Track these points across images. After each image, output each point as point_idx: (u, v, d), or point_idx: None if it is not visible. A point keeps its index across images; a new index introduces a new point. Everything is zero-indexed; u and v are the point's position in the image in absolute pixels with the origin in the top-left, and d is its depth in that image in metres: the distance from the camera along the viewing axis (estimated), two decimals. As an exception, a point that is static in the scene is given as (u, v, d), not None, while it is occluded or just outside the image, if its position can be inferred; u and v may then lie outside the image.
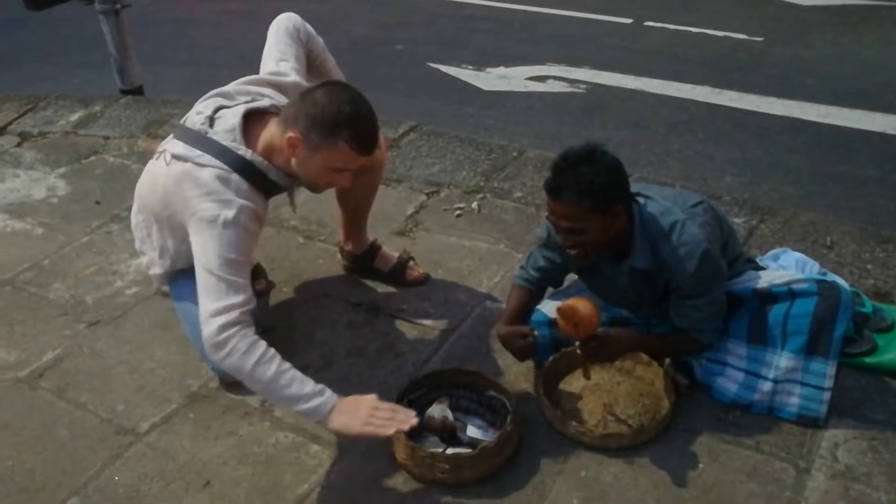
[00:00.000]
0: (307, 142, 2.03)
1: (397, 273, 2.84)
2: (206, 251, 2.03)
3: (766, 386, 2.19)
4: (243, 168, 2.10)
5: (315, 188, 2.23)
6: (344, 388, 2.39)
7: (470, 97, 5.19)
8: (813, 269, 2.48)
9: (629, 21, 6.54)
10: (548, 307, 2.44)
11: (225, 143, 2.10)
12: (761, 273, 2.31)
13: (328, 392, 1.98)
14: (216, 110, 2.19)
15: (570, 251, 2.07)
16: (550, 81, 5.39)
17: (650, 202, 2.13)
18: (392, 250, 2.92)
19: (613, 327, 2.28)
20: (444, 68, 5.69)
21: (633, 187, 2.12)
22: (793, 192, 3.85)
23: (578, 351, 2.14)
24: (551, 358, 2.35)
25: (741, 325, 2.25)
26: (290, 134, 2.03)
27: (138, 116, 4.25)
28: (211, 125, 2.15)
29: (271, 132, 2.12)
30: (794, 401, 2.18)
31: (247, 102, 2.19)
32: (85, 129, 4.16)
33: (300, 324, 2.70)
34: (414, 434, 2.11)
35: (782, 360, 2.18)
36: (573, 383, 2.34)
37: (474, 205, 3.31)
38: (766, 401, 2.20)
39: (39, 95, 4.54)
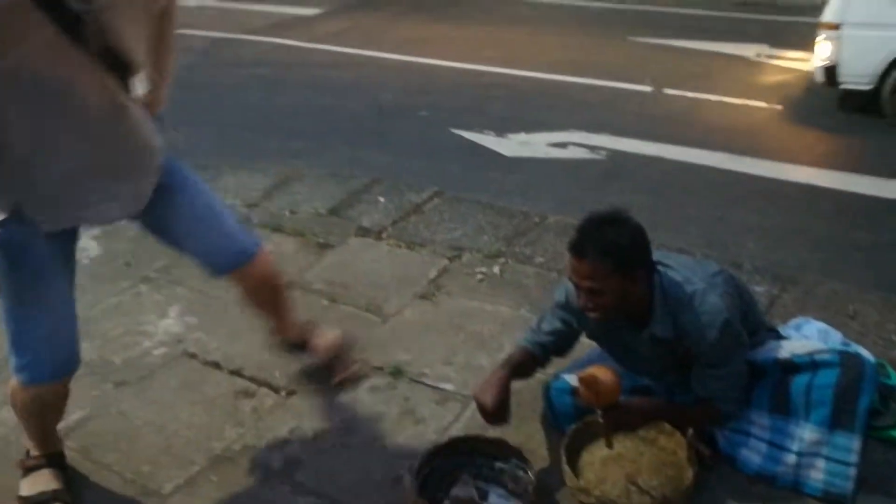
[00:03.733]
0: None
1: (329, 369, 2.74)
2: None
3: (791, 458, 2.18)
4: None
5: None
6: (365, 453, 2.42)
7: (492, 162, 5.27)
8: (835, 339, 2.48)
9: (649, 89, 6.66)
10: (570, 375, 2.44)
11: None
12: (783, 343, 2.31)
13: None
14: None
15: (590, 313, 2.09)
16: (571, 147, 5.47)
17: (670, 271, 2.16)
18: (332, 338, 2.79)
19: (635, 396, 2.28)
20: (466, 134, 5.80)
21: (654, 256, 2.16)
22: (813, 258, 3.85)
23: (600, 419, 2.14)
24: (573, 426, 2.35)
25: (764, 394, 2.25)
26: None
27: (169, 180, 4.36)
28: None
29: None
30: (819, 476, 2.16)
31: None
32: (117, 191, 4.28)
33: (322, 387, 2.72)
34: (436, 501, 2.11)
35: (806, 433, 2.17)
36: (596, 452, 2.33)
37: (496, 269, 3.36)
38: (791, 474, 2.18)
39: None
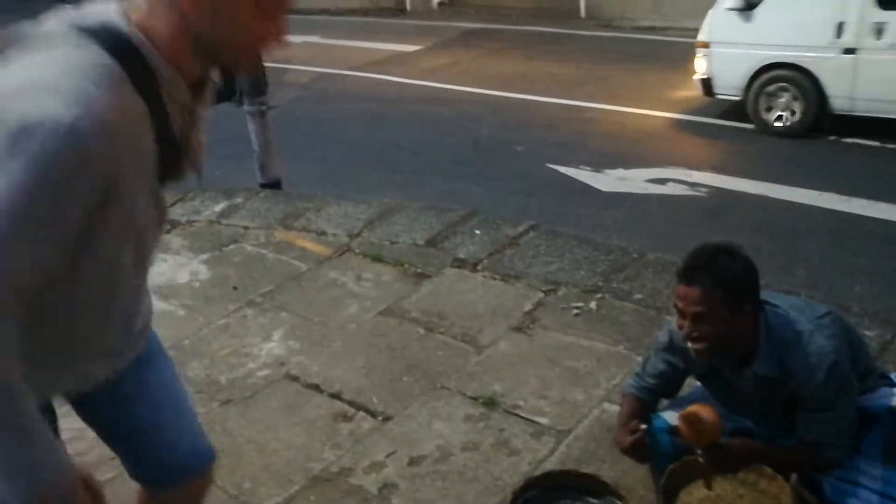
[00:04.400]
0: None
1: None
2: None
3: (904, 511, 2.07)
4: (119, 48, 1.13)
5: (238, 59, 1.25)
6: (459, 482, 2.44)
7: (588, 198, 5.28)
8: (954, 388, 2.35)
9: (751, 126, 6.52)
10: (669, 414, 2.41)
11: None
12: (896, 390, 2.21)
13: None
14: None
15: (693, 344, 2.06)
16: (670, 184, 5.42)
17: (777, 310, 2.11)
18: None
19: (737, 437, 2.23)
20: (562, 169, 5.83)
21: (762, 296, 2.12)
22: (930, 305, 3.67)
23: (700, 459, 2.10)
24: (672, 466, 2.31)
25: (875, 444, 2.15)
26: None
27: (276, 209, 4.56)
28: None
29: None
30: (935, 530, 2.05)
31: None
32: (227, 219, 4.50)
33: (419, 413, 2.77)
34: None
35: (922, 484, 2.06)
36: (694, 493, 2.28)
37: (593, 305, 3.34)
38: (904, 527, 2.08)
39: (189, 187, 4.95)
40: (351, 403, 2.86)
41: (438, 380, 2.95)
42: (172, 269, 3.98)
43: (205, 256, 4.09)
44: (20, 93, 1.05)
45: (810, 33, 6.09)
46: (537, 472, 2.40)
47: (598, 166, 5.82)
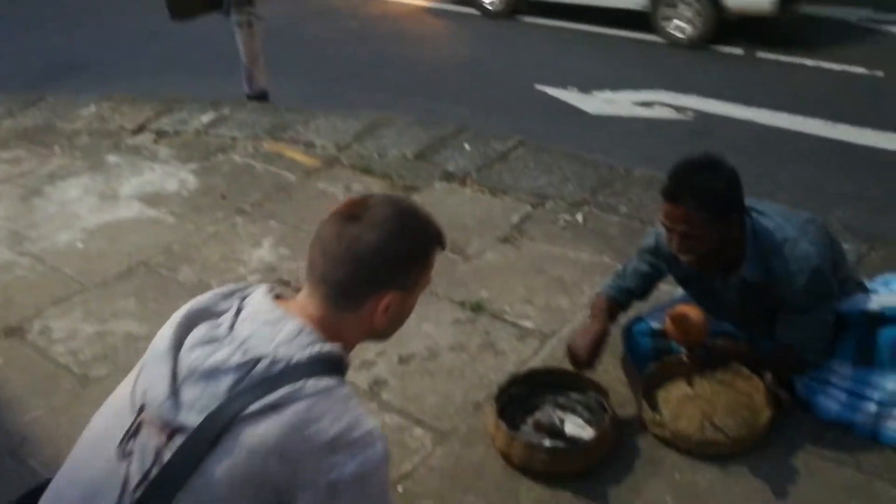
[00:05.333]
0: (404, 291, 1.34)
1: None
2: None
3: (871, 407, 2.18)
4: (340, 368, 1.30)
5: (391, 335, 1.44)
6: (446, 379, 2.52)
7: (575, 119, 5.28)
8: (926, 295, 2.44)
9: (741, 51, 6.50)
10: (651, 318, 2.49)
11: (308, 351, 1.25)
12: (872, 296, 2.30)
13: None
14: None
15: (683, 257, 2.11)
16: (657, 107, 5.42)
17: (763, 217, 2.16)
18: None
19: (720, 337, 2.31)
20: (550, 90, 5.80)
21: (747, 202, 2.16)
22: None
23: (685, 358, 2.18)
24: (652, 365, 2.40)
25: (848, 345, 2.24)
26: (389, 297, 1.30)
27: (263, 121, 4.54)
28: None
29: (322, 310, 1.29)
30: (899, 426, 2.16)
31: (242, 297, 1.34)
32: (215, 129, 4.48)
33: (408, 317, 2.83)
34: (513, 425, 2.21)
35: (889, 383, 2.16)
36: (673, 391, 2.38)
37: (579, 217, 3.40)
38: (870, 423, 2.18)
39: (175, 98, 4.90)
40: (341, 307, 2.92)
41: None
42: (161, 177, 3.97)
43: (193, 166, 4.08)
44: (353, 444, 1.18)
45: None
46: (523, 370, 2.48)
47: (585, 88, 5.80)
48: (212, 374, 1.18)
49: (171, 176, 3.98)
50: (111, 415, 1.27)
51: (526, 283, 3.00)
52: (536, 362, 2.58)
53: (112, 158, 4.19)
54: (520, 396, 2.34)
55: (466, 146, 4.09)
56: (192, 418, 1.16)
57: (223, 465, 1.14)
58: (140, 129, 4.52)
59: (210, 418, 1.15)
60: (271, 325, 1.23)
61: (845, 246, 2.96)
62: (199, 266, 3.22)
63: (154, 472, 1.16)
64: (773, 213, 2.19)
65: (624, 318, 2.53)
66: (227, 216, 3.58)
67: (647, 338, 2.46)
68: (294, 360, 1.20)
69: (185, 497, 1.14)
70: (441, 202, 3.60)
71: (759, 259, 2.12)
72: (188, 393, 1.18)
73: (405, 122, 4.41)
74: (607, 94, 5.68)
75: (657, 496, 2.08)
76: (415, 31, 7.63)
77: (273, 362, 1.19)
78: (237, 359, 1.19)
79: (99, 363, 2.70)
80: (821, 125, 5.01)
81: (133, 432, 1.19)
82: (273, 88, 5.10)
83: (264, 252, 3.30)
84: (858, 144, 4.72)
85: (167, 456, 1.16)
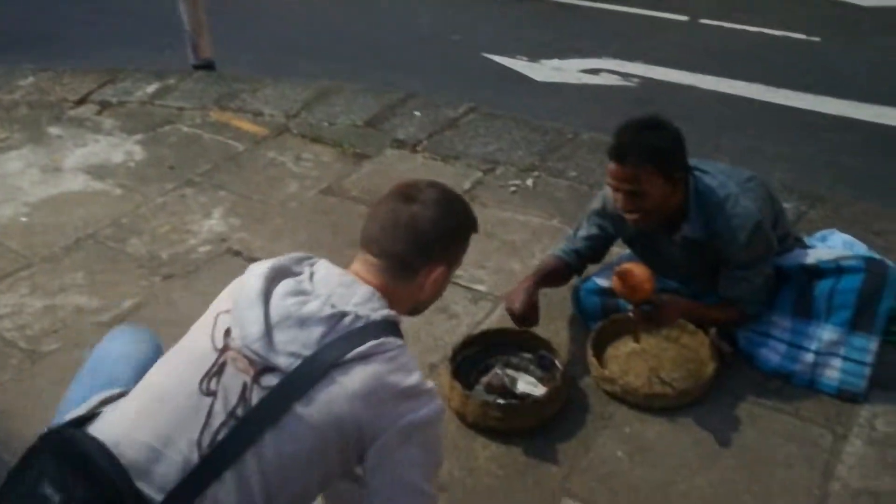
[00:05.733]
0: (448, 266, 1.52)
1: None
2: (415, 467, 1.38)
3: (808, 357, 2.28)
4: (400, 331, 1.46)
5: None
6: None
7: (524, 88, 5.29)
8: (860, 249, 2.55)
9: (685, 18, 6.58)
10: (599, 276, 2.55)
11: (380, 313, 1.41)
12: (809, 250, 2.39)
13: None
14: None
15: (629, 216, 2.17)
16: (604, 74, 5.46)
17: (705, 175, 2.23)
18: None
19: (666, 293, 2.38)
20: (498, 59, 5.80)
21: (689, 162, 2.22)
22: (845, 190, 3.87)
23: (631, 314, 2.24)
24: (600, 323, 2.47)
25: (787, 298, 2.34)
26: (439, 269, 1.48)
27: (210, 90, 4.46)
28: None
29: (381, 280, 1.45)
30: (834, 374, 2.26)
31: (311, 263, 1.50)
32: (161, 100, 4.39)
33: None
34: (468, 385, 2.25)
35: (825, 333, 2.27)
36: (621, 347, 2.45)
37: (529, 182, 3.44)
38: (808, 372, 2.29)
39: (118, 69, 4.78)
40: (295, 276, 2.92)
41: (380, 253, 3.02)
42: (106, 149, 3.89)
43: (139, 137, 4.00)
44: (424, 394, 1.38)
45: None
46: (475, 332, 2.53)
47: (533, 56, 5.81)
48: (305, 321, 1.32)
49: (117, 147, 3.90)
50: (185, 358, 1.37)
51: (478, 247, 3.01)
52: (489, 324, 2.62)
53: (54, 130, 4.08)
54: (473, 357, 2.39)
55: (417, 113, 4.10)
56: (283, 360, 1.29)
57: (314, 407, 1.28)
58: (82, 101, 4.41)
59: (306, 363, 1.29)
60: (346, 286, 1.39)
61: (785, 205, 3.06)
62: (149, 237, 3.18)
63: (240, 411, 1.28)
64: (715, 172, 2.25)
65: (577, 280, 2.59)
66: (176, 187, 3.53)
67: (595, 296, 2.53)
68: (371, 319, 1.36)
69: (272, 435, 1.26)
70: (392, 169, 3.61)
71: (702, 216, 2.19)
72: (281, 336, 1.31)
73: (355, 90, 4.39)
74: (555, 62, 5.70)
75: (608, 449, 2.15)
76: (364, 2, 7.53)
77: (356, 318, 1.35)
78: (327, 311, 1.33)
79: (49, 338, 2.66)
80: (762, 89, 5.11)
81: (216, 371, 1.31)
82: (219, 57, 5.00)
83: (214, 222, 3.28)
84: (797, 108, 4.84)
85: (254, 394, 1.28)
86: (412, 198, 1.46)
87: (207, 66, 4.80)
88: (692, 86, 5.23)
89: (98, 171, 3.67)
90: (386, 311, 1.40)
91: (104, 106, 4.33)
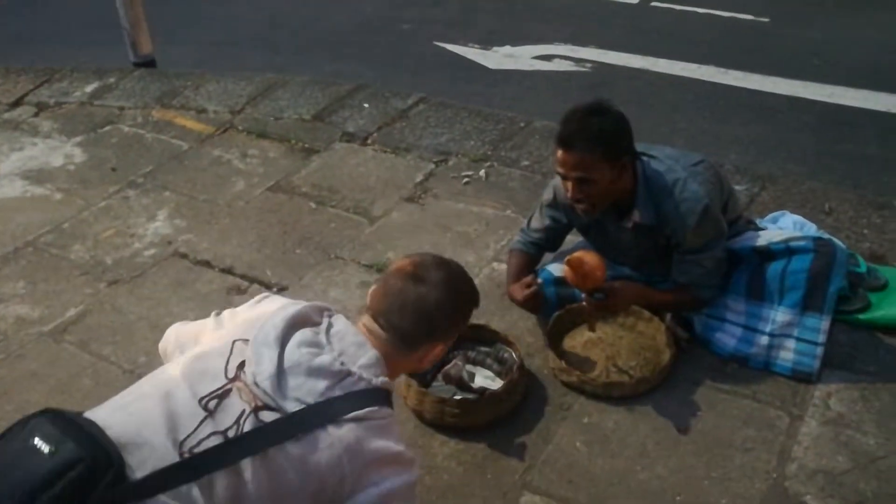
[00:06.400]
0: (449, 340, 1.65)
1: None
2: None
3: (763, 340, 2.28)
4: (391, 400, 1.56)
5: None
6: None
7: (476, 75, 5.24)
8: (810, 230, 2.56)
9: (635, 1, 6.59)
10: (553, 266, 2.52)
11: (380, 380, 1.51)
12: (761, 233, 2.39)
13: None
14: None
15: (578, 204, 2.15)
16: (556, 60, 5.44)
17: (654, 161, 2.21)
18: None
19: (619, 281, 2.36)
20: (450, 47, 5.74)
21: (638, 147, 2.20)
22: (797, 169, 3.89)
23: (584, 303, 2.22)
24: (556, 314, 2.44)
25: (740, 281, 2.33)
26: (439, 347, 1.61)
27: (152, 88, 4.33)
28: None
29: (385, 349, 1.55)
30: (788, 355, 2.27)
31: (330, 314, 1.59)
32: (100, 99, 4.25)
33: (314, 283, 2.79)
34: (425, 383, 2.21)
35: (779, 315, 2.27)
36: (577, 338, 2.43)
37: (482, 173, 3.40)
38: (763, 354, 2.29)
39: (54, 68, 4.62)
40: (244, 277, 2.85)
41: (332, 250, 2.96)
42: (44, 152, 3.75)
43: (78, 139, 3.87)
44: (406, 462, 1.49)
45: None
46: (431, 328, 2.48)
47: (485, 44, 5.76)
48: (314, 372, 1.42)
49: (56, 150, 3.77)
50: (198, 369, 1.44)
51: (432, 240, 2.99)
52: (445, 319, 2.58)
53: (-12, 135, 3.94)
54: (429, 353, 2.34)
55: (366, 105, 4.02)
56: (286, 403, 1.39)
57: (303, 451, 1.37)
58: (18, 102, 4.26)
59: (307, 410, 1.39)
60: (357, 346, 1.49)
61: (738, 187, 3.07)
62: (92, 243, 3.08)
63: (231, 432, 1.36)
64: (663, 157, 2.24)
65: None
66: (119, 189, 3.42)
67: (550, 286, 2.50)
68: (373, 384, 1.47)
69: (253, 465, 1.34)
70: (342, 164, 3.54)
71: (651, 202, 2.18)
72: (291, 381, 1.41)
73: (301, 83, 4.29)
74: (507, 49, 5.67)
75: (567, 440, 2.13)
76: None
77: (360, 379, 1.46)
78: (336, 367, 1.44)
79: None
80: (714, 71, 5.13)
81: (221, 394, 1.39)
82: (160, 54, 4.86)
83: (160, 224, 3.18)
84: (748, 89, 4.87)
85: (248, 422, 1.37)
86: (421, 279, 1.56)
87: (148, 63, 4.67)
88: (645, 69, 5.24)
89: (36, 176, 3.54)
90: (384, 379, 1.51)
91: (41, 107, 4.19)
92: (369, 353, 1.49)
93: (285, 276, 2.83)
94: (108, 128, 3.97)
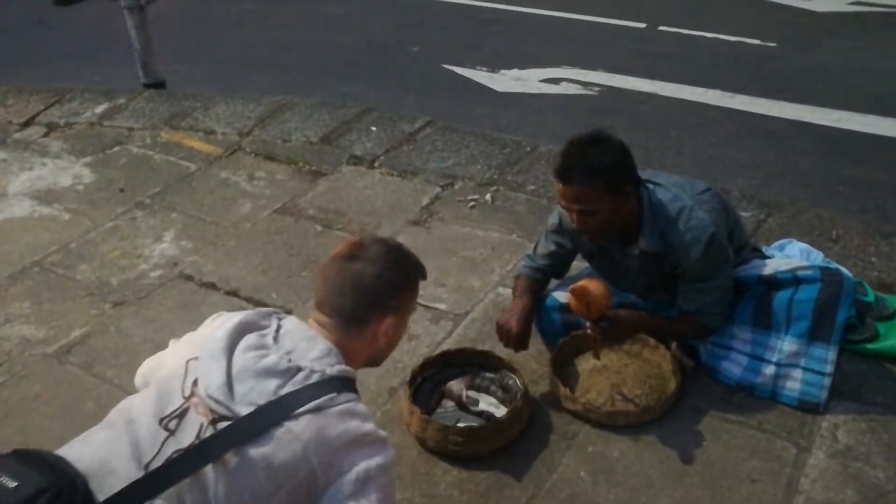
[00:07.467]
0: (397, 315, 1.62)
1: None
2: None
3: (769, 369, 2.26)
4: (355, 386, 1.56)
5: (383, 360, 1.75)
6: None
7: (484, 98, 5.26)
8: (817, 258, 2.54)
9: (643, 25, 6.62)
10: (559, 293, 2.51)
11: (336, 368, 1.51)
12: (767, 261, 2.38)
13: None
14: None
15: (584, 235, 2.14)
16: (564, 84, 5.46)
17: (659, 188, 2.20)
18: None
19: (623, 308, 2.35)
20: (458, 70, 5.77)
21: (643, 174, 2.20)
22: (803, 194, 3.89)
23: (589, 331, 2.21)
24: (561, 340, 2.43)
25: (747, 310, 2.32)
26: (388, 320, 1.59)
27: (161, 109, 4.37)
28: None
29: (336, 337, 1.56)
30: (795, 385, 2.25)
31: (279, 317, 1.60)
32: (110, 120, 4.28)
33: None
34: (428, 409, 2.19)
35: (785, 345, 2.25)
36: (582, 365, 2.41)
37: (488, 197, 3.40)
38: (769, 384, 2.27)
39: (65, 88, 4.66)
40: (249, 300, 2.85)
41: (337, 273, 2.96)
42: (53, 172, 3.78)
43: (87, 159, 3.89)
44: (377, 441, 1.48)
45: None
46: (436, 353, 2.47)
47: (493, 67, 5.79)
48: (261, 374, 1.42)
49: (65, 171, 3.79)
50: (154, 394, 1.45)
51: (437, 265, 2.98)
52: (450, 344, 2.57)
53: (-2, 154, 3.97)
54: (433, 379, 2.34)
55: (373, 128, 4.04)
56: (241, 409, 1.39)
57: (264, 451, 1.37)
58: (28, 123, 4.29)
59: (259, 410, 1.39)
60: (308, 340, 1.50)
61: (744, 214, 3.07)
62: (98, 263, 3.09)
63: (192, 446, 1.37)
64: (669, 185, 2.23)
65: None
66: (126, 210, 3.44)
67: (556, 313, 2.49)
68: (327, 374, 1.46)
69: (216, 471, 1.34)
70: (349, 186, 3.55)
71: (657, 230, 2.17)
72: (240, 387, 1.41)
73: (309, 105, 4.32)
74: (515, 73, 5.69)
75: (571, 470, 2.11)
76: (319, 11, 7.47)
77: (311, 372, 1.45)
78: (283, 365, 1.44)
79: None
80: (721, 96, 5.14)
81: (179, 414, 1.41)
82: (170, 75, 4.91)
83: (166, 245, 3.19)
84: (755, 113, 4.87)
85: (207, 433, 1.37)
86: (355, 256, 1.58)
87: (158, 84, 4.71)
88: (652, 93, 5.25)
89: (45, 196, 3.57)
90: (341, 367, 1.50)
91: (51, 128, 4.22)
92: (320, 346, 1.50)
93: (290, 298, 2.82)
94: (116, 148, 3.99)
